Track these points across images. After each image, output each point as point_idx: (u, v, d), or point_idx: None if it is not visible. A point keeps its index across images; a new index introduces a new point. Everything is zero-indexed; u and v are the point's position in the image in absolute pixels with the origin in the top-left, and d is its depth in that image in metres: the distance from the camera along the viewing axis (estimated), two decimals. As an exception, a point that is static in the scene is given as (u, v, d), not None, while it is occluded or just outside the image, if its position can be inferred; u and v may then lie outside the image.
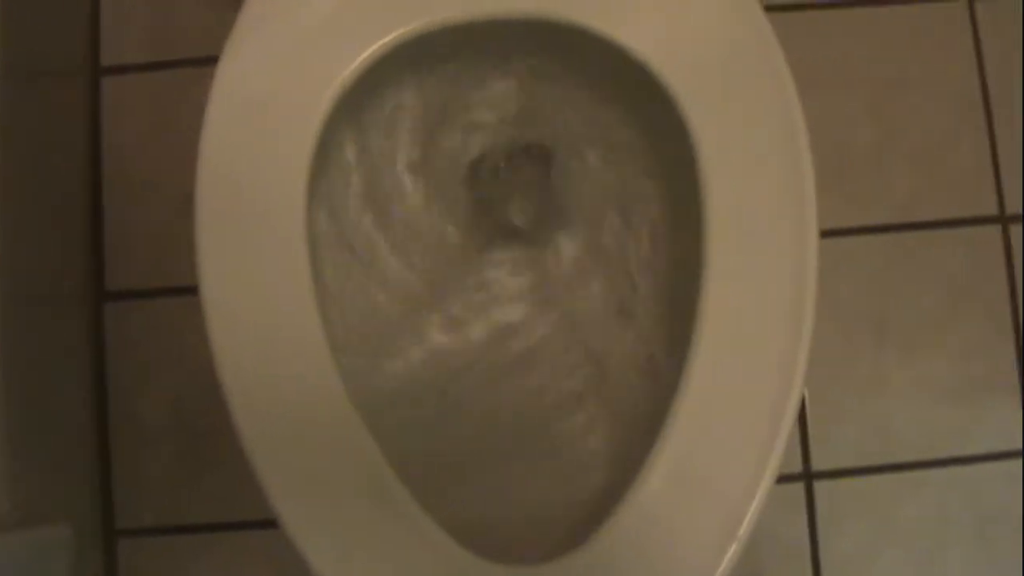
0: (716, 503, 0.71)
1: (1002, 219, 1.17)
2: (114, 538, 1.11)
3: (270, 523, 0.71)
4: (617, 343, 0.87)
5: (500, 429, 0.87)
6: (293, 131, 0.75)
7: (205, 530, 1.11)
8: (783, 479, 0.96)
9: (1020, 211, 1.16)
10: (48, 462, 0.98)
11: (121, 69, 1.17)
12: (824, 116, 1.15)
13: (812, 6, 1.19)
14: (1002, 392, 1.15)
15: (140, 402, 1.12)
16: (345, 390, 0.72)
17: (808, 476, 1.12)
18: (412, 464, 0.74)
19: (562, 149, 0.91)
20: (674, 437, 0.72)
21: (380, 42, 0.77)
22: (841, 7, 1.20)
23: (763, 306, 0.74)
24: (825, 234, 0.76)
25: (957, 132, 1.18)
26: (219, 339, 0.72)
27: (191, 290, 0.74)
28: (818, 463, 1.12)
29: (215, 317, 0.73)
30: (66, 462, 1.05)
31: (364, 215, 0.89)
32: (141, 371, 1.12)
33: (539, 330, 0.89)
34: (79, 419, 1.08)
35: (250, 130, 0.75)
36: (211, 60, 0.76)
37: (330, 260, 0.84)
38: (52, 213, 1.05)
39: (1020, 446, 1.14)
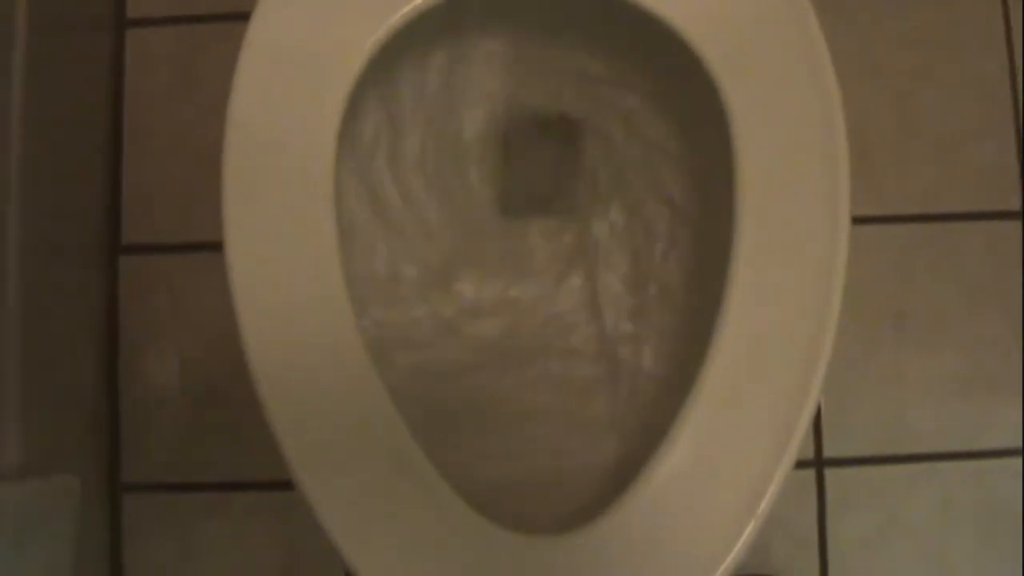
0: (736, 479, 0.71)
1: (1023, 215, 1.16)
2: (119, 493, 1.10)
3: (278, 484, 0.71)
4: (642, 318, 0.87)
5: (519, 397, 0.87)
6: (324, 89, 0.74)
7: (212, 489, 1.11)
8: (796, 465, 0.96)
9: (1042, 208, 1.16)
10: (57, 413, 0.98)
11: (147, 21, 1.16)
12: (848, 102, 1.13)
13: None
14: (1014, 388, 1.14)
15: (151, 358, 1.11)
16: (368, 357, 0.71)
17: (820, 463, 1.12)
18: (428, 426, 0.74)
19: (591, 122, 0.90)
20: (697, 413, 0.72)
21: (414, 3, 0.76)
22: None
23: (791, 289, 0.74)
24: (848, 221, 0.75)
25: (982, 125, 1.18)
26: (243, 299, 0.72)
27: (208, 246, 0.74)
28: (830, 450, 1.12)
29: (239, 274, 0.72)
30: (75, 415, 1.05)
31: (392, 177, 0.89)
32: (154, 327, 1.12)
33: (561, 302, 0.89)
34: (89, 372, 1.08)
35: (281, 86, 0.74)
36: (238, 16, 0.76)
37: (357, 220, 0.83)
38: (72, 163, 1.04)
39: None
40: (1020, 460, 1.14)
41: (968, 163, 1.17)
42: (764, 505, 0.71)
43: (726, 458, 0.72)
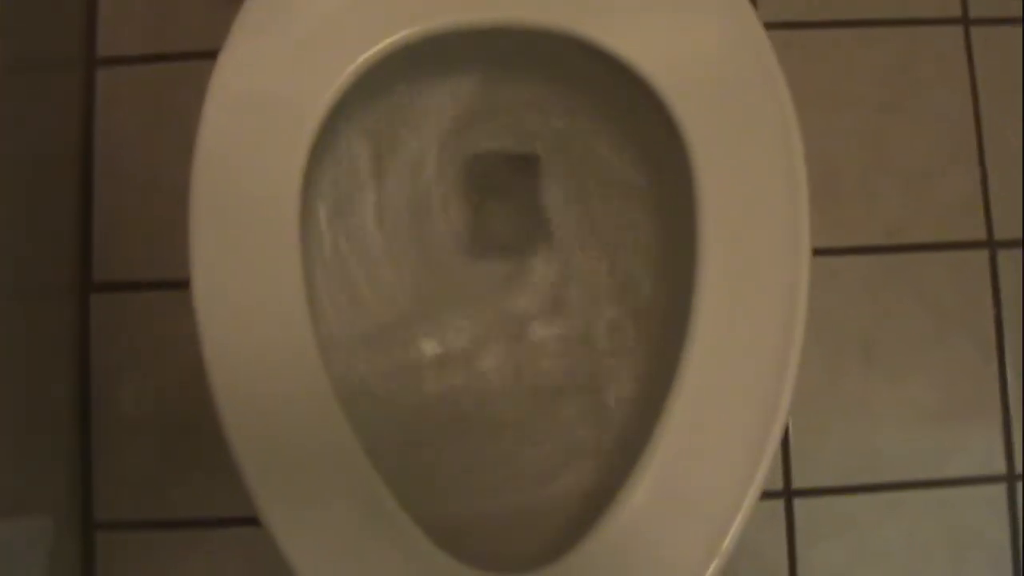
0: (700, 517, 0.72)
1: (990, 244, 1.17)
2: (93, 531, 1.10)
3: (252, 521, 0.71)
4: (603, 359, 0.88)
5: (484, 434, 0.87)
6: (290, 131, 0.75)
7: (185, 526, 1.10)
8: (763, 495, 0.96)
9: (1008, 237, 1.17)
10: (28, 452, 0.98)
11: (117, 60, 1.16)
12: (816, 135, 1.15)
13: (807, 24, 1.20)
14: (984, 417, 1.15)
15: (123, 395, 1.11)
16: (334, 393, 0.72)
17: (788, 493, 1.12)
18: (394, 465, 0.74)
19: (553, 161, 0.91)
20: (660, 451, 0.72)
21: (380, 45, 0.77)
22: (836, 26, 1.20)
23: (753, 325, 0.74)
24: (814, 253, 0.76)
25: (948, 156, 1.19)
26: (209, 337, 0.72)
27: (179, 284, 0.74)
28: (799, 481, 1.13)
29: (206, 314, 0.73)
30: (46, 453, 1.04)
31: (357, 217, 0.89)
32: (125, 364, 1.11)
33: (523, 343, 0.90)
34: (61, 410, 1.08)
35: (247, 128, 0.75)
36: (209, 55, 0.76)
37: (321, 261, 0.84)
38: (41, 202, 1.04)
39: (999, 471, 1.14)
40: (989, 488, 1.14)
41: (934, 194, 1.18)
42: (729, 541, 0.71)
43: (692, 492, 0.73)
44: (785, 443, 1.12)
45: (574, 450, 0.86)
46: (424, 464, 0.84)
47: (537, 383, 0.89)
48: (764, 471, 0.73)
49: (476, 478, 0.85)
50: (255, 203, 0.74)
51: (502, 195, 0.93)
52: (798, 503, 1.12)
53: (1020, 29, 1.20)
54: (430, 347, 0.89)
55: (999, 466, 1.15)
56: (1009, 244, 1.17)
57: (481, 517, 0.82)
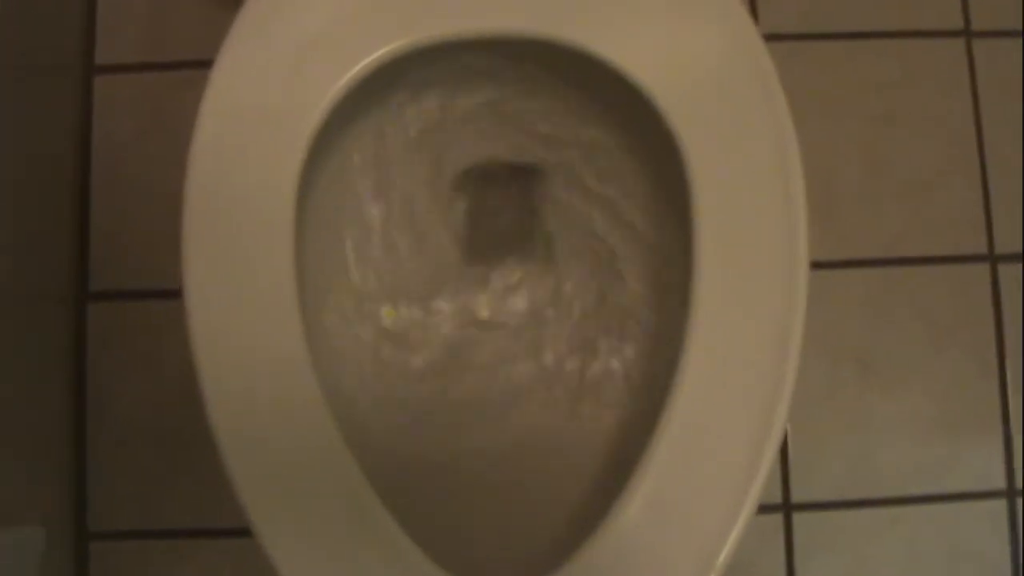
0: (694, 533, 0.71)
1: (991, 258, 1.17)
2: (86, 540, 1.10)
3: (243, 532, 0.71)
4: (601, 368, 0.87)
5: (479, 449, 0.87)
6: (285, 141, 0.75)
7: (179, 536, 1.10)
8: (762, 509, 0.96)
9: (1009, 251, 1.16)
10: (22, 462, 0.98)
11: (115, 68, 1.16)
12: (816, 147, 1.15)
13: (808, 36, 1.19)
14: (983, 432, 1.15)
15: (119, 405, 1.11)
16: (326, 404, 0.72)
17: (787, 507, 1.12)
18: (390, 480, 0.74)
19: (551, 170, 0.91)
20: (654, 466, 0.72)
21: (375, 55, 0.76)
22: (837, 38, 1.20)
23: (750, 339, 0.74)
24: (812, 266, 0.76)
25: (949, 170, 1.18)
26: (201, 348, 0.72)
27: (176, 294, 0.73)
28: (798, 495, 1.12)
29: (198, 325, 0.72)
30: (40, 462, 1.04)
31: (352, 227, 0.89)
32: (121, 373, 1.11)
33: (518, 353, 0.90)
34: (56, 419, 1.08)
35: (242, 138, 0.75)
36: (207, 64, 0.76)
37: (316, 270, 0.83)
38: (38, 211, 1.04)
39: (998, 486, 1.14)
40: (989, 503, 1.14)
41: (935, 207, 1.18)
42: (723, 558, 0.71)
43: (687, 505, 0.72)
44: (784, 457, 1.12)
45: (568, 473, 0.85)
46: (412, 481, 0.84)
47: (528, 391, 0.89)
48: (761, 484, 0.72)
49: (465, 493, 0.85)
50: (249, 213, 0.74)
51: (500, 206, 0.93)
52: (797, 517, 1.12)
53: (1021, 42, 1.20)
54: (423, 357, 0.89)
55: (999, 481, 1.14)
56: (1010, 258, 1.17)
57: (470, 529, 0.82)
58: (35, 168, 1.03)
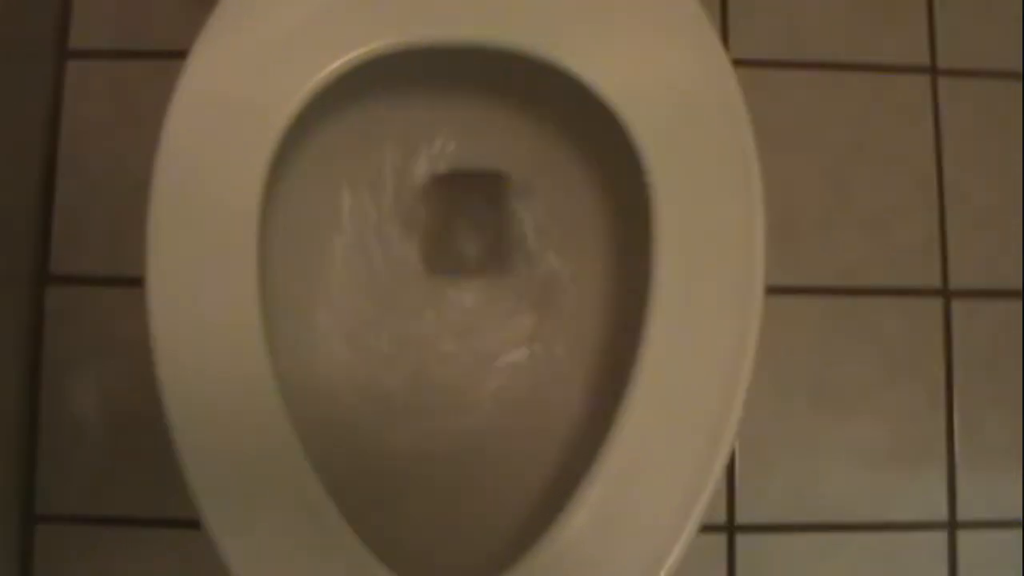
0: (637, 546, 0.72)
1: (944, 293, 1.18)
2: (33, 523, 1.09)
3: (192, 524, 0.71)
4: (552, 384, 0.88)
5: (429, 456, 0.87)
6: (253, 137, 0.75)
7: (128, 524, 1.09)
8: (707, 529, 0.96)
9: (962, 287, 1.18)
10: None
11: (88, 54, 1.16)
12: (779, 174, 1.16)
13: (776, 64, 1.21)
14: (929, 463, 1.16)
15: (74, 389, 1.10)
16: (283, 403, 0.72)
17: (731, 528, 1.13)
18: (341, 480, 0.74)
19: (516, 181, 0.92)
20: (601, 478, 0.72)
21: (348, 56, 0.77)
22: (805, 67, 1.21)
23: (702, 357, 0.75)
24: (769, 291, 0.77)
25: (908, 203, 1.20)
26: (160, 338, 0.72)
27: (136, 281, 0.73)
28: (742, 516, 1.13)
29: (158, 316, 0.72)
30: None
31: (316, 228, 0.89)
32: (78, 358, 1.11)
33: (472, 364, 0.90)
34: (8, 400, 1.07)
35: (213, 129, 0.75)
36: (182, 55, 0.76)
37: (279, 268, 0.84)
38: (2, 189, 1.04)
39: (941, 518, 1.15)
40: (931, 534, 1.15)
41: (892, 239, 1.19)
42: (667, 570, 0.71)
43: (632, 518, 0.73)
44: (731, 479, 1.13)
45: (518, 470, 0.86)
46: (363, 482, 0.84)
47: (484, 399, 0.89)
48: (705, 501, 0.73)
49: (414, 497, 0.86)
50: (215, 205, 0.74)
51: (467, 214, 0.93)
52: (740, 538, 1.13)
53: (986, 81, 1.22)
54: (381, 364, 0.89)
55: (941, 513, 1.15)
56: (963, 294, 1.18)
57: (418, 531, 0.83)
58: (1, 148, 1.03)
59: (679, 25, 0.79)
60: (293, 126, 0.76)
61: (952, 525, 1.15)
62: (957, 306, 1.18)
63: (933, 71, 1.22)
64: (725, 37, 1.19)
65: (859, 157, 1.20)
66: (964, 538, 1.15)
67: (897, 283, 1.18)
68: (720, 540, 1.13)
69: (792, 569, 1.13)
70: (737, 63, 0.80)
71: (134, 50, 1.16)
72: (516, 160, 0.91)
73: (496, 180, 0.92)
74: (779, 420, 1.15)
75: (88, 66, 1.15)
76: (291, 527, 0.71)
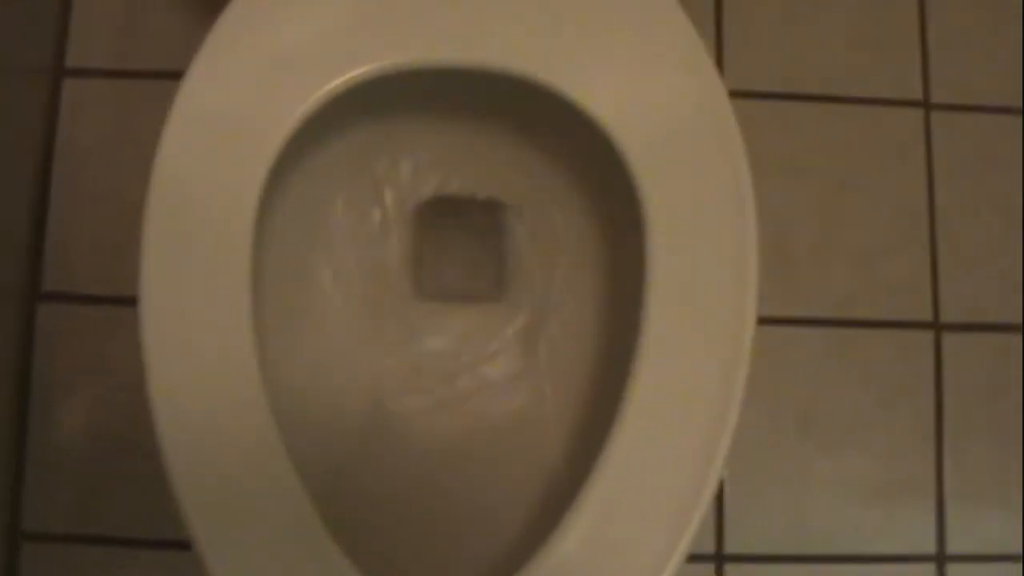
0: (627, 571, 0.72)
1: (935, 326, 1.19)
2: (19, 541, 1.09)
3: (180, 544, 0.70)
4: (540, 409, 0.88)
5: (417, 479, 0.87)
6: (249, 156, 0.75)
7: (115, 544, 1.09)
8: (695, 559, 0.96)
9: (953, 320, 1.18)
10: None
11: (85, 72, 1.16)
12: (773, 204, 1.17)
13: (772, 95, 1.21)
14: (918, 496, 1.16)
15: (63, 407, 1.10)
16: (274, 420, 0.72)
17: (720, 558, 1.13)
18: (330, 499, 0.74)
19: (509, 204, 0.92)
20: (591, 502, 0.72)
21: (344, 77, 0.77)
22: (800, 99, 1.22)
23: (693, 386, 0.75)
24: (762, 321, 0.77)
25: (901, 237, 1.20)
26: (152, 357, 0.72)
27: (129, 301, 0.73)
28: (731, 546, 1.13)
29: (151, 334, 0.72)
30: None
31: (309, 248, 0.89)
32: (68, 376, 1.11)
33: (461, 387, 0.90)
34: (-3, 417, 1.07)
35: (207, 150, 0.75)
36: (177, 74, 0.76)
37: (273, 288, 0.84)
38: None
39: (929, 551, 1.15)
40: (919, 567, 1.15)
41: (884, 272, 1.19)
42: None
43: (621, 544, 0.73)
44: (719, 508, 1.13)
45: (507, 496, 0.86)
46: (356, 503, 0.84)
47: (471, 423, 0.89)
48: (694, 529, 0.73)
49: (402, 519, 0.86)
50: (210, 225, 0.74)
51: (459, 238, 0.93)
52: (729, 568, 1.12)
53: (979, 117, 1.22)
54: (371, 385, 0.89)
55: (929, 546, 1.15)
56: (954, 327, 1.19)
57: (408, 556, 0.82)
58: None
59: (674, 50, 0.80)
60: (288, 146, 0.76)
61: (941, 558, 1.15)
62: (948, 339, 1.19)
63: (926, 105, 1.22)
64: (720, 68, 1.19)
65: (852, 190, 1.21)
66: (953, 571, 1.15)
67: (889, 316, 1.19)
68: (708, 570, 1.12)
69: (779, 600, 1.13)
70: (731, 94, 0.80)
71: (130, 69, 1.16)
72: (509, 183, 0.91)
73: (489, 204, 0.92)
74: (770, 450, 1.15)
75: (85, 84, 1.16)
76: (280, 547, 0.71)
